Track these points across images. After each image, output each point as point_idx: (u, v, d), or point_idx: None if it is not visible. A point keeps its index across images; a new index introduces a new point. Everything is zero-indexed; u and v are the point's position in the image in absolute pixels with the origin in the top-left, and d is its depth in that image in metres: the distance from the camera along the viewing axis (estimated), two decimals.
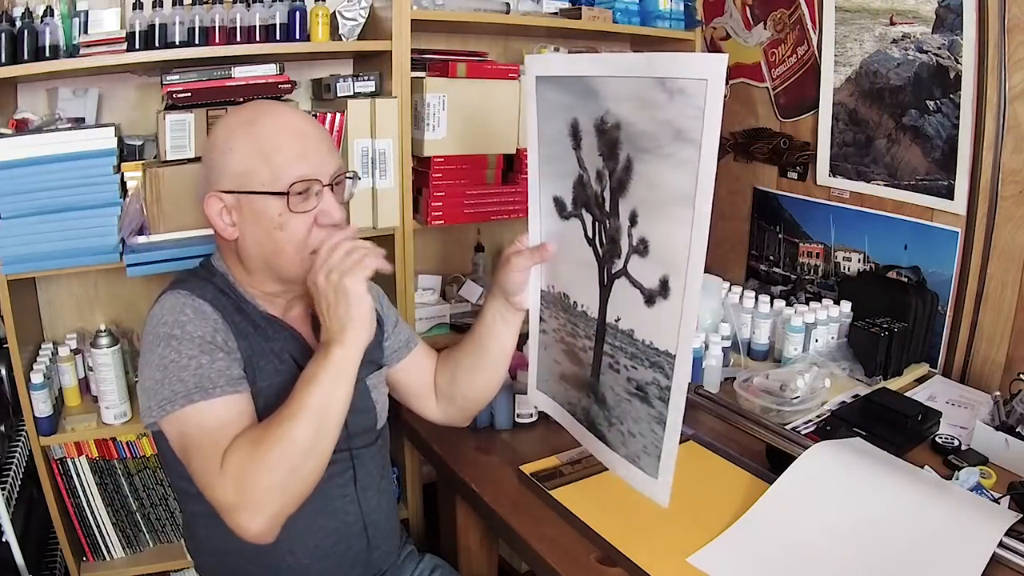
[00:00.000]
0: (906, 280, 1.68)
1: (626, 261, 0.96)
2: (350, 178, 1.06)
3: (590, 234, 1.02)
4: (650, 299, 0.93)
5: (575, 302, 1.07)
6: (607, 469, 1.18)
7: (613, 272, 0.99)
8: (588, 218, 1.02)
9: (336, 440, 0.93)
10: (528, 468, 1.20)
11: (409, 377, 1.24)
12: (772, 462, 1.21)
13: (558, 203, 1.08)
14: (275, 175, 0.97)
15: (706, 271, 0.88)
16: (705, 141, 0.80)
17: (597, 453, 1.07)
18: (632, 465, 0.99)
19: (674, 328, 0.89)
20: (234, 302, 1.04)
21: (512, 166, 1.74)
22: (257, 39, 1.48)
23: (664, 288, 0.90)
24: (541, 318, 1.15)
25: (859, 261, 1.79)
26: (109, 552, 1.60)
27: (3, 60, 1.31)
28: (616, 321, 1.00)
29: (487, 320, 1.17)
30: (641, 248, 0.93)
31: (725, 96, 2.10)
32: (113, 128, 1.40)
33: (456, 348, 1.24)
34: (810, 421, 1.35)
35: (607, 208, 0.98)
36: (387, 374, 1.22)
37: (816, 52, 1.81)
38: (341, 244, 0.95)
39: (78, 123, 1.52)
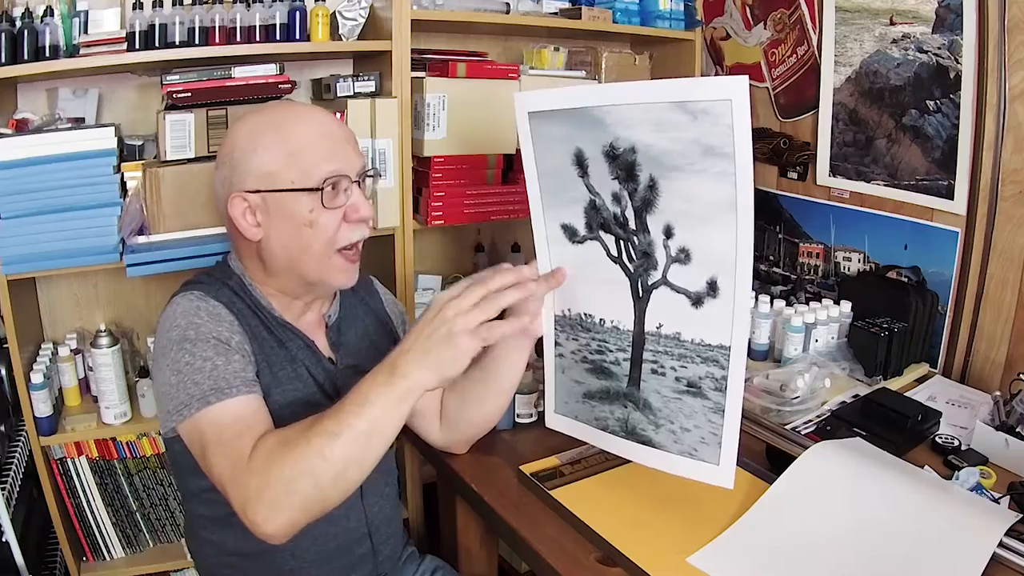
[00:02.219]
0: (906, 280, 1.68)
1: (665, 271, 1.00)
2: (371, 175, 1.06)
3: (614, 253, 1.05)
4: (698, 301, 0.98)
5: (601, 319, 1.09)
6: (607, 469, 1.19)
7: (650, 284, 1.03)
8: (610, 239, 1.05)
9: (369, 472, 0.86)
10: (528, 468, 1.20)
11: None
12: (772, 462, 1.21)
13: (567, 230, 1.10)
14: (305, 172, 0.97)
15: None
16: (739, 153, 0.87)
17: (643, 459, 1.07)
18: (689, 459, 1.02)
19: (727, 322, 0.95)
20: (249, 305, 1.03)
21: (512, 166, 1.74)
22: (257, 39, 1.48)
23: (713, 288, 0.96)
24: (557, 343, 1.16)
25: (859, 261, 1.79)
26: (109, 552, 1.60)
27: (3, 60, 1.31)
28: (658, 328, 1.03)
29: (499, 349, 1.16)
30: (682, 257, 0.98)
31: None
32: (113, 128, 1.40)
33: (464, 375, 1.23)
34: (810, 421, 1.35)
35: (632, 226, 1.02)
36: None
37: (816, 52, 1.81)
38: (491, 287, 0.90)
39: (78, 123, 1.52)
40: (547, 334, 1.15)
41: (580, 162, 1.03)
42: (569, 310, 1.13)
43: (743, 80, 0.85)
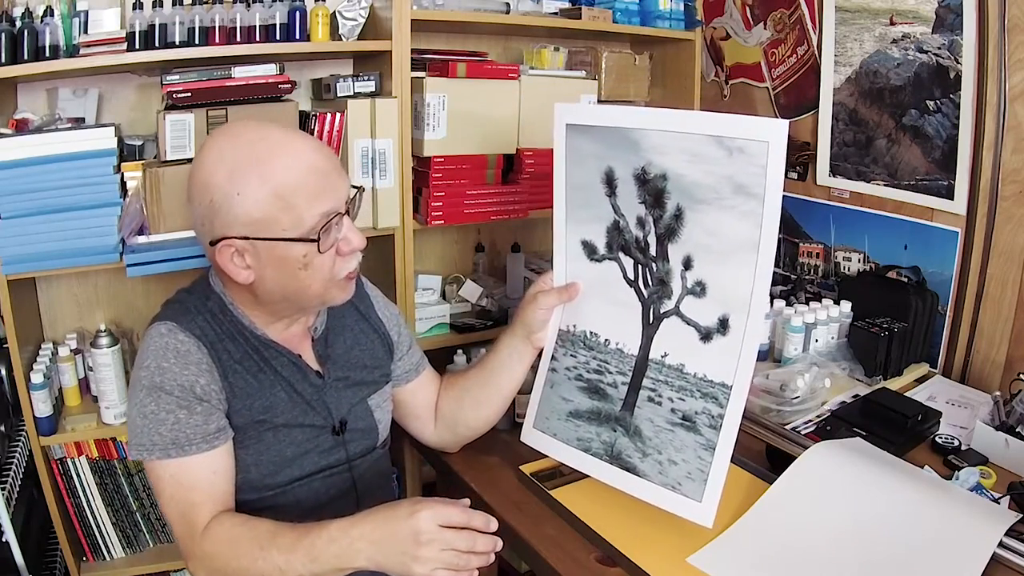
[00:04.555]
0: (906, 280, 1.68)
1: (679, 302, 1.00)
2: (358, 190, 1.02)
3: (631, 276, 1.06)
4: (707, 336, 0.98)
5: (606, 340, 1.09)
6: None
7: (662, 312, 1.03)
8: (628, 261, 1.05)
9: None
10: (528, 468, 1.20)
11: (414, 399, 1.24)
12: (772, 462, 1.22)
13: (587, 246, 1.10)
14: (298, 218, 0.92)
15: None
16: (768, 195, 0.88)
17: (623, 485, 1.06)
18: (672, 492, 1.00)
19: (732, 361, 0.95)
20: (228, 330, 1.01)
21: (512, 166, 1.74)
22: (257, 39, 1.48)
23: (723, 326, 0.96)
24: (553, 356, 1.15)
25: (859, 261, 1.79)
26: (109, 552, 1.60)
27: (3, 60, 1.31)
28: (663, 357, 1.03)
29: (502, 355, 1.17)
30: (697, 290, 0.98)
31: (725, 96, 2.11)
32: (113, 128, 1.40)
33: (463, 376, 1.24)
34: (810, 421, 1.35)
35: (652, 252, 1.02)
36: (392, 393, 1.21)
37: (816, 52, 1.81)
38: (476, 525, 0.87)
39: (78, 123, 1.52)
40: (548, 346, 1.15)
41: (609, 181, 1.04)
42: (574, 326, 1.12)
43: (783, 124, 0.86)
